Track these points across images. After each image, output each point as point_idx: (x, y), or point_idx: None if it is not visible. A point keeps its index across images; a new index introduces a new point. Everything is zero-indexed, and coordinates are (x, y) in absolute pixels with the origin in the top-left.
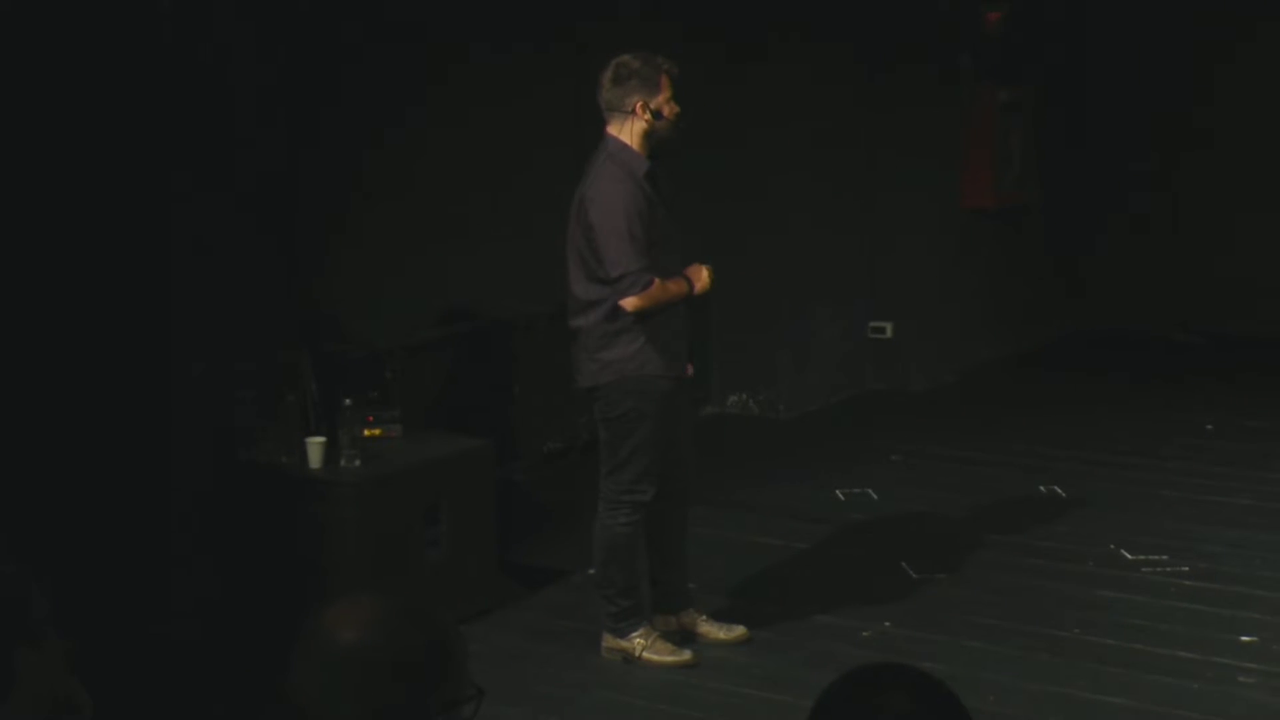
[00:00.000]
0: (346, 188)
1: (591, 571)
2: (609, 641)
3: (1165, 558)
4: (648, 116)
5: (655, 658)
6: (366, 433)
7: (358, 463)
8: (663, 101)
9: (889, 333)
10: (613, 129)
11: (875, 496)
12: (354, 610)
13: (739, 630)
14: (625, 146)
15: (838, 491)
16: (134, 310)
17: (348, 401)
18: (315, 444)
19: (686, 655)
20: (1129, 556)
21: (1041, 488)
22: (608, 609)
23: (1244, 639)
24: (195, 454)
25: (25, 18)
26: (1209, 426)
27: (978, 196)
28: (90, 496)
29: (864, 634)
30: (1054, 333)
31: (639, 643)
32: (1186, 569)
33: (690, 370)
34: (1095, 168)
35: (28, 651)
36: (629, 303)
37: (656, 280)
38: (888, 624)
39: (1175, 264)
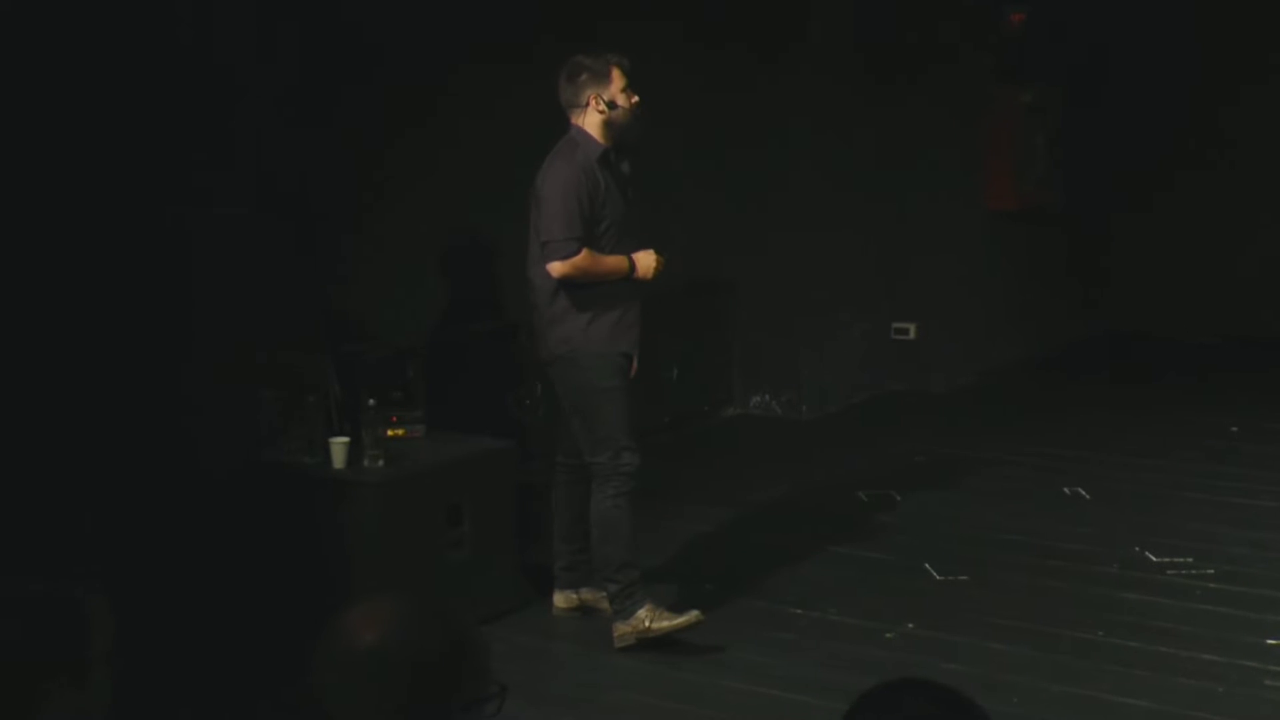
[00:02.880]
0: (368, 186)
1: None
2: (619, 630)
3: (1190, 560)
4: (602, 108)
5: (665, 624)
6: (389, 433)
7: (381, 463)
8: (616, 92)
9: (912, 334)
10: (575, 123)
11: (898, 497)
12: (374, 612)
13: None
14: (583, 132)
15: (860, 492)
16: (157, 311)
17: (371, 402)
18: (338, 444)
19: (693, 615)
20: (1153, 559)
21: (1065, 489)
22: (609, 589)
23: (1270, 642)
24: (219, 454)
25: (44, 21)
26: (1233, 429)
27: (1001, 198)
28: (114, 497)
29: (887, 635)
30: (1077, 334)
31: (644, 616)
32: (1211, 571)
33: (633, 369)
34: (1118, 168)
35: (65, 689)
36: (553, 268)
37: (585, 251)
38: (911, 625)
39: (1199, 265)
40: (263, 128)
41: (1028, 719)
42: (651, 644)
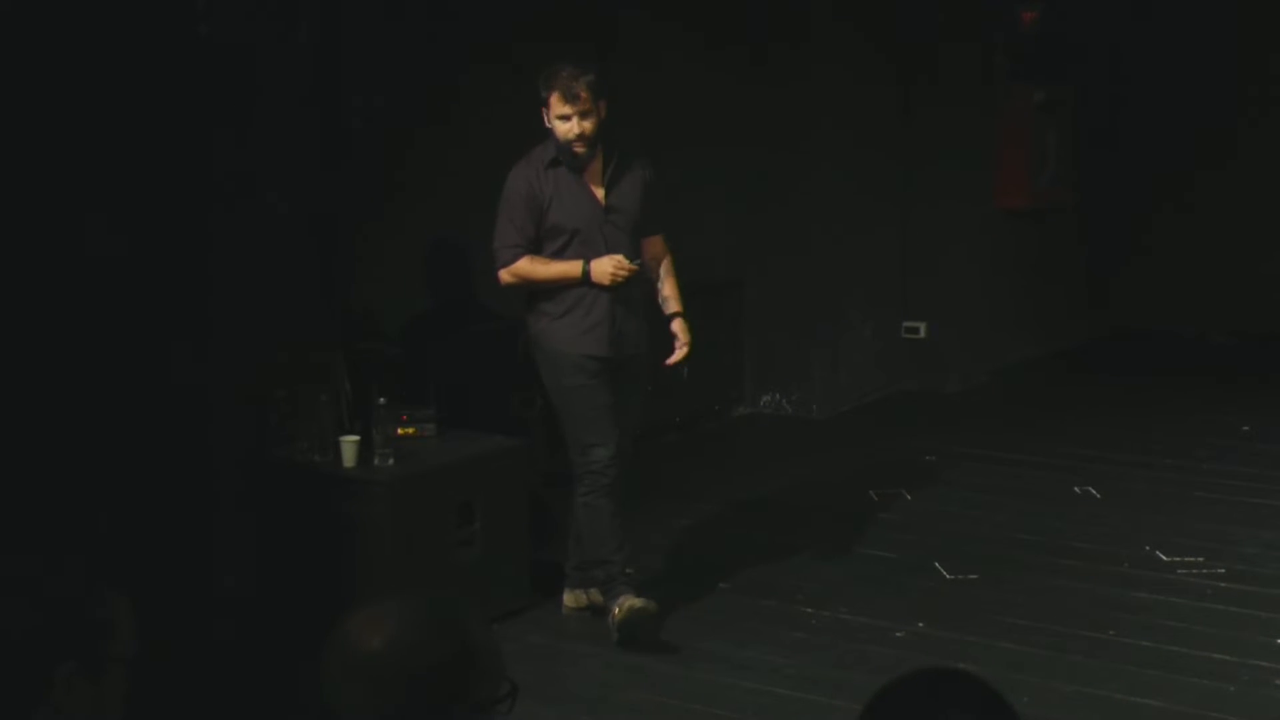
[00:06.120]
0: (382, 186)
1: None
2: (609, 626)
3: (1201, 559)
4: (548, 123)
5: (625, 606)
6: (400, 431)
7: (391, 461)
8: (551, 117)
9: (923, 333)
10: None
11: (909, 497)
12: (380, 616)
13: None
14: (550, 136)
15: (871, 492)
16: (171, 308)
17: (382, 400)
18: (349, 443)
19: (643, 601)
20: (1164, 558)
21: (1076, 489)
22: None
23: None
24: (230, 452)
25: (63, 18)
26: (1246, 428)
27: (1013, 196)
28: (125, 494)
29: (897, 634)
30: (1089, 333)
31: (615, 609)
32: (1223, 571)
33: (681, 356)
34: (1131, 167)
35: (81, 680)
36: (500, 276)
37: (526, 257)
38: (921, 624)
39: (1212, 264)
40: (279, 127)
41: (1039, 719)
42: (661, 643)
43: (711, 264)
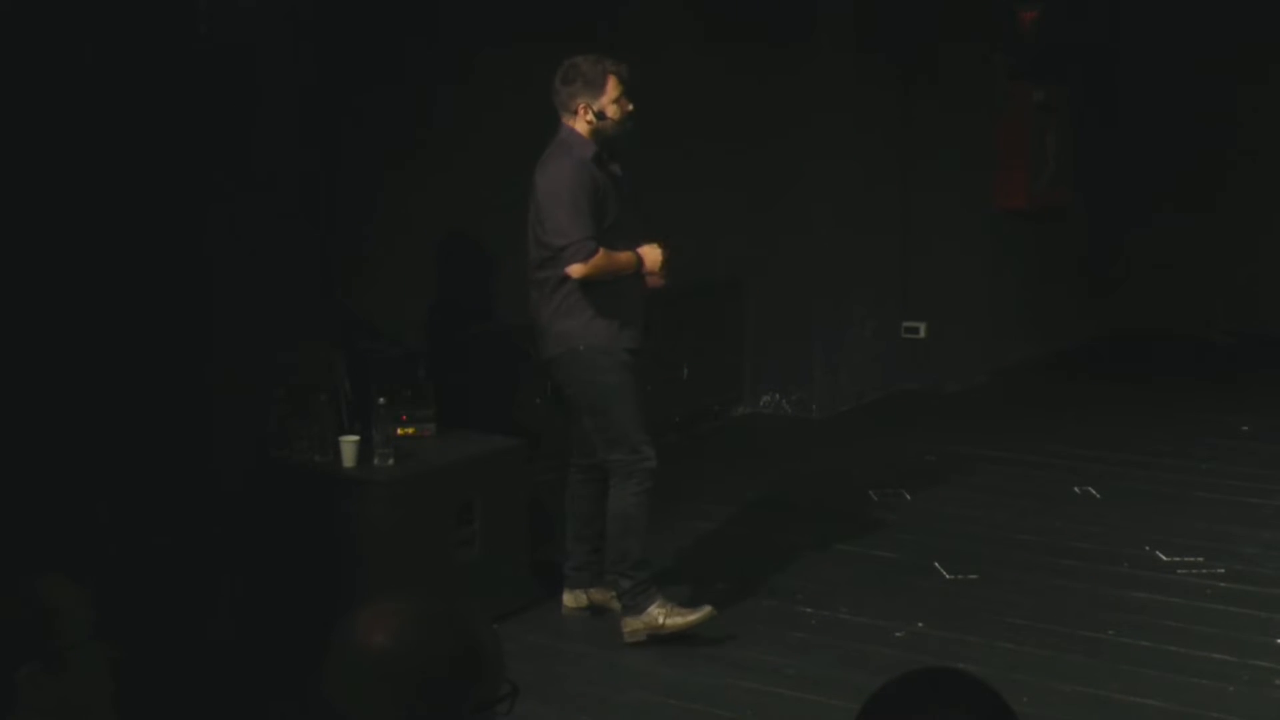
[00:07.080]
0: (383, 185)
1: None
2: (630, 625)
3: (1200, 559)
4: (590, 117)
5: (679, 620)
6: (400, 431)
7: (391, 461)
8: (607, 102)
9: (922, 333)
10: (566, 124)
11: (908, 497)
12: (386, 614)
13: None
14: (574, 133)
15: (871, 492)
16: (170, 308)
17: (382, 400)
18: (349, 443)
19: (706, 610)
20: (1164, 558)
21: (1076, 489)
22: (622, 585)
23: None
24: (230, 453)
25: (62, 17)
26: (1245, 428)
27: (1012, 197)
28: (125, 494)
29: (897, 634)
30: (1089, 333)
31: (658, 613)
32: (1222, 570)
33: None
34: (1131, 167)
35: (41, 675)
36: (574, 270)
37: (602, 249)
38: (921, 624)
39: (1212, 264)
40: (283, 125)
41: (1038, 718)
42: (661, 642)
43: (711, 264)
